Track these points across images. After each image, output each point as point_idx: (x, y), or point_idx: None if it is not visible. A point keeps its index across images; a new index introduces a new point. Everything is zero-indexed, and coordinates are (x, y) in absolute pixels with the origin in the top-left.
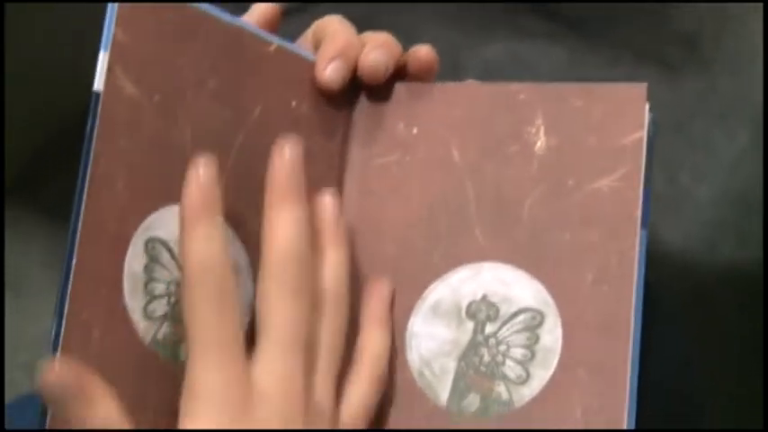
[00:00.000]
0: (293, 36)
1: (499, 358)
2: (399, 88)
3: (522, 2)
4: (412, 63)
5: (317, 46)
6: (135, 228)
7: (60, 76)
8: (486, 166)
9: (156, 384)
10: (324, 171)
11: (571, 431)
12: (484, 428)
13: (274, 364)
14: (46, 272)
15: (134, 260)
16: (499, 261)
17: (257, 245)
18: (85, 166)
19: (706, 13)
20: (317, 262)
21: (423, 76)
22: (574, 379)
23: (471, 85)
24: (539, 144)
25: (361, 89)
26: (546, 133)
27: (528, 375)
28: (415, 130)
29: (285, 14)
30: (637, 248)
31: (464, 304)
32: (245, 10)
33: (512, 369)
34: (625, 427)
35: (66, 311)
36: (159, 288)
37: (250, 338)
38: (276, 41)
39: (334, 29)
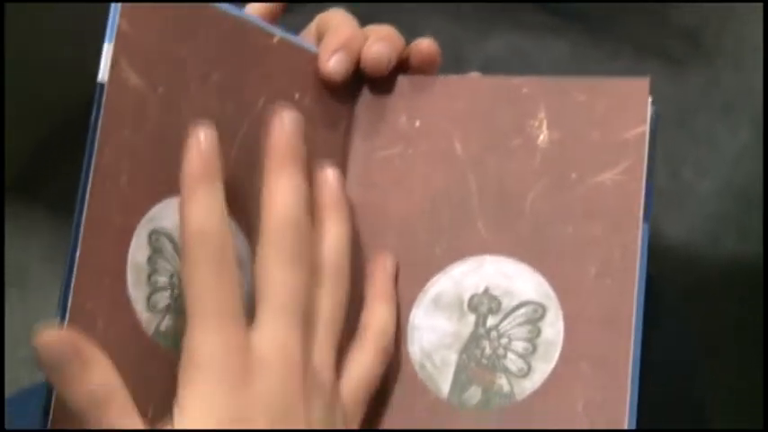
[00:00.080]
0: (296, 31)
1: (501, 351)
2: (402, 81)
3: None
4: (414, 56)
5: (320, 39)
6: (138, 219)
7: (63, 70)
8: (488, 160)
9: (158, 375)
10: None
11: (574, 431)
12: (485, 423)
13: (272, 330)
14: (47, 266)
15: (137, 251)
16: (501, 254)
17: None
18: (90, 158)
19: (709, 8)
20: (318, 234)
21: (425, 68)
22: (575, 372)
23: (474, 79)
24: (541, 137)
25: (363, 82)
26: (549, 127)
27: (529, 368)
28: (417, 123)
29: (287, 11)
30: (639, 242)
31: (466, 297)
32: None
33: (513, 362)
34: (626, 420)
35: (69, 302)
36: (162, 280)
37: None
38: (279, 33)
39: (337, 21)
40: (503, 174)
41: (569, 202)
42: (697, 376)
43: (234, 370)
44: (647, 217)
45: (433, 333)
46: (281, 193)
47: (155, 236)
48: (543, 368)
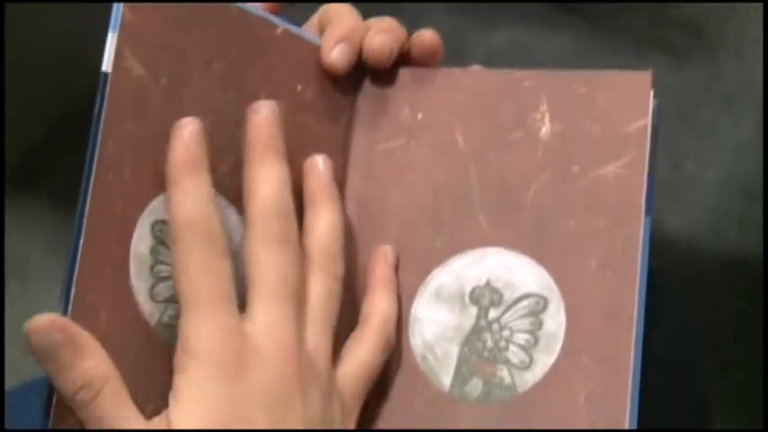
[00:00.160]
0: (299, 24)
1: (502, 343)
2: (404, 73)
3: None
4: (416, 47)
5: (322, 31)
6: (141, 210)
7: (64, 62)
8: (490, 153)
9: (160, 367)
10: (328, 156)
11: (574, 431)
12: (486, 416)
13: (264, 313)
14: (47, 258)
15: (140, 242)
16: (503, 247)
17: None
18: (93, 148)
19: (710, 3)
20: (308, 221)
21: (427, 60)
22: (577, 365)
23: (476, 72)
24: (543, 130)
25: (365, 74)
26: (551, 120)
27: (531, 360)
28: (419, 116)
29: (289, 4)
30: (641, 235)
31: (467, 289)
32: None
33: (515, 354)
34: (628, 413)
35: (73, 293)
36: (165, 269)
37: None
38: (282, 25)
39: (339, 13)
40: (504, 167)
41: (571, 195)
42: (698, 369)
43: (228, 356)
44: (648, 210)
45: (435, 325)
46: (263, 181)
47: (157, 226)
48: (545, 360)
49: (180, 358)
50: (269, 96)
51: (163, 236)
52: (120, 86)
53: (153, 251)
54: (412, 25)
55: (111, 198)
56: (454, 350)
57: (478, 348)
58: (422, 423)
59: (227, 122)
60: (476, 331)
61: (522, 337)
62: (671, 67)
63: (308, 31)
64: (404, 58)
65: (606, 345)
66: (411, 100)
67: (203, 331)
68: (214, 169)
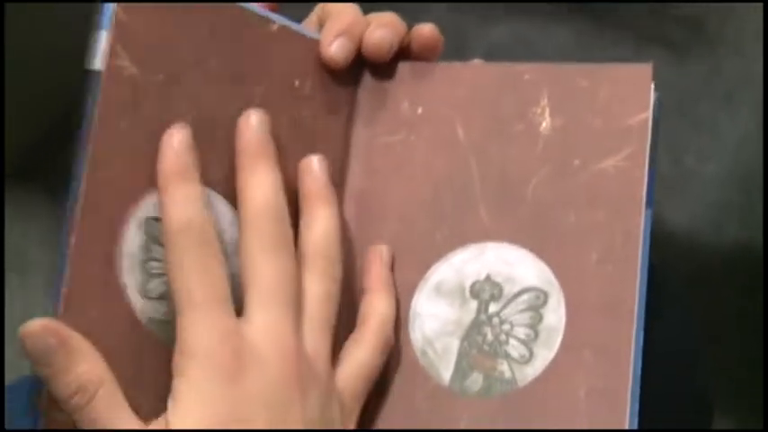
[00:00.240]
0: (297, 21)
1: (502, 337)
2: (404, 67)
3: None
4: (416, 41)
5: (321, 26)
6: (133, 206)
7: (64, 59)
8: (490, 146)
9: (152, 364)
10: (328, 150)
11: (575, 431)
12: (486, 410)
13: (262, 315)
14: (46, 251)
15: (132, 239)
16: (503, 241)
17: None
18: (84, 146)
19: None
20: (304, 223)
21: (427, 54)
22: (577, 359)
23: (476, 65)
24: (544, 124)
25: (365, 68)
26: (551, 113)
27: (531, 355)
28: (419, 110)
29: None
30: (641, 228)
31: (468, 284)
32: None
33: (515, 348)
34: (628, 408)
35: (63, 290)
36: (156, 265)
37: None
38: (279, 21)
39: (339, 7)
40: (505, 160)
41: (572, 189)
42: (699, 364)
43: (226, 356)
44: (649, 203)
45: (435, 320)
46: (256, 187)
47: (149, 223)
48: (545, 354)
49: (178, 361)
50: (266, 92)
51: (154, 231)
52: (113, 85)
53: (144, 248)
54: (413, 21)
55: (102, 195)
56: (454, 344)
57: (479, 342)
58: (422, 417)
59: (223, 118)
60: (476, 325)
61: (522, 332)
62: (671, 62)
63: (308, 27)
64: (404, 53)
65: (607, 338)
66: (411, 94)
67: (201, 332)
68: (209, 166)
